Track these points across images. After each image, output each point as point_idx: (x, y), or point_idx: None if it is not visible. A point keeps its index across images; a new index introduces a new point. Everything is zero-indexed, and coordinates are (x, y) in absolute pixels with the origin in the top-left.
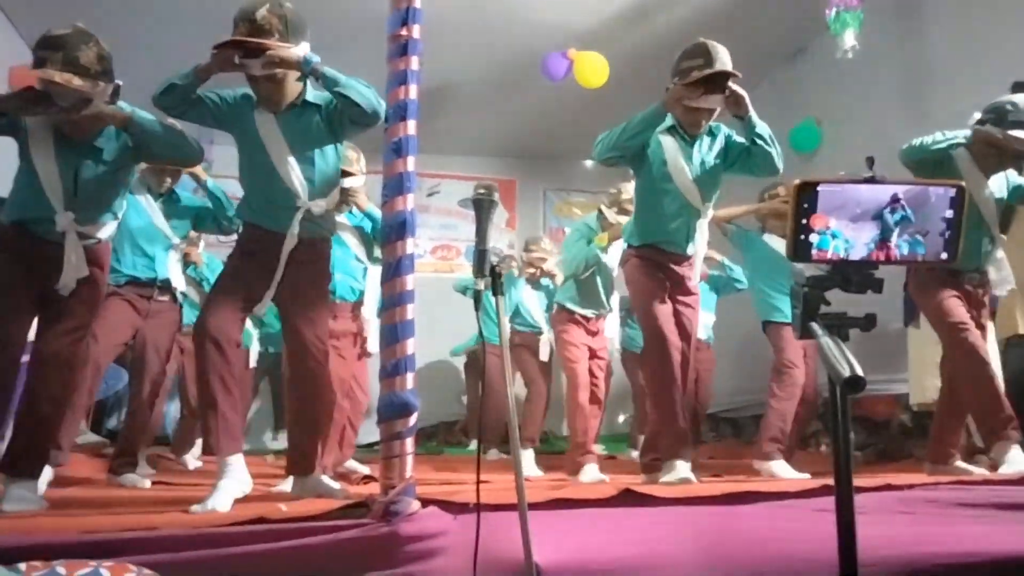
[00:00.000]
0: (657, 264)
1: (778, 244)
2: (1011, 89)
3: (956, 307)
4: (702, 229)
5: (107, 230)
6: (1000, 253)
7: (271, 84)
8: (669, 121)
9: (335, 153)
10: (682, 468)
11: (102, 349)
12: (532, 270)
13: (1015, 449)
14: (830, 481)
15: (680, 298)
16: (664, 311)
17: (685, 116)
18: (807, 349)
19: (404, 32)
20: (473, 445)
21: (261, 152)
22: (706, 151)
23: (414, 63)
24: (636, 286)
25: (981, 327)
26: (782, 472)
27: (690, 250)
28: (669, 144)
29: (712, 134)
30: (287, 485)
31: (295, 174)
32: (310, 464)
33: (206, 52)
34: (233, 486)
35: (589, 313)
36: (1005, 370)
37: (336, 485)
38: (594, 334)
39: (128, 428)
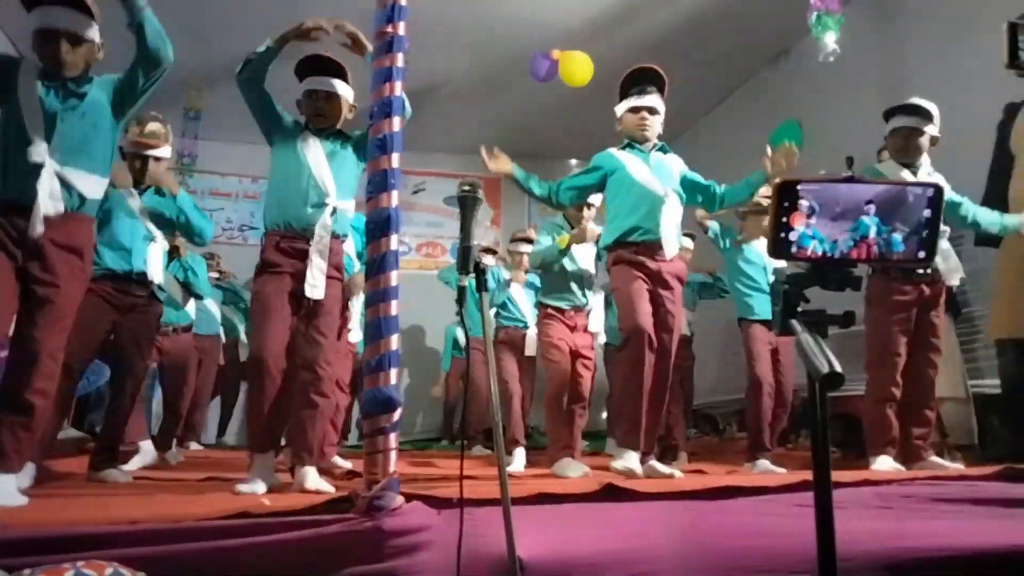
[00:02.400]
0: (637, 265)
1: (756, 243)
2: (1006, 29)
3: (895, 336)
4: (668, 212)
5: (90, 186)
6: (944, 244)
7: (328, 105)
8: (623, 142)
9: (356, 176)
10: (631, 458)
11: (74, 348)
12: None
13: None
14: (809, 476)
15: (661, 292)
16: (645, 318)
17: (631, 122)
18: (780, 347)
19: (390, 29)
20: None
21: (299, 159)
22: (660, 156)
23: (399, 60)
24: (619, 295)
25: (932, 325)
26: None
27: (663, 233)
28: (623, 154)
29: (664, 151)
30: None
31: (327, 178)
32: (311, 456)
33: (199, 49)
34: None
35: (563, 305)
36: (1000, 372)
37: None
38: (574, 329)
39: (110, 424)
